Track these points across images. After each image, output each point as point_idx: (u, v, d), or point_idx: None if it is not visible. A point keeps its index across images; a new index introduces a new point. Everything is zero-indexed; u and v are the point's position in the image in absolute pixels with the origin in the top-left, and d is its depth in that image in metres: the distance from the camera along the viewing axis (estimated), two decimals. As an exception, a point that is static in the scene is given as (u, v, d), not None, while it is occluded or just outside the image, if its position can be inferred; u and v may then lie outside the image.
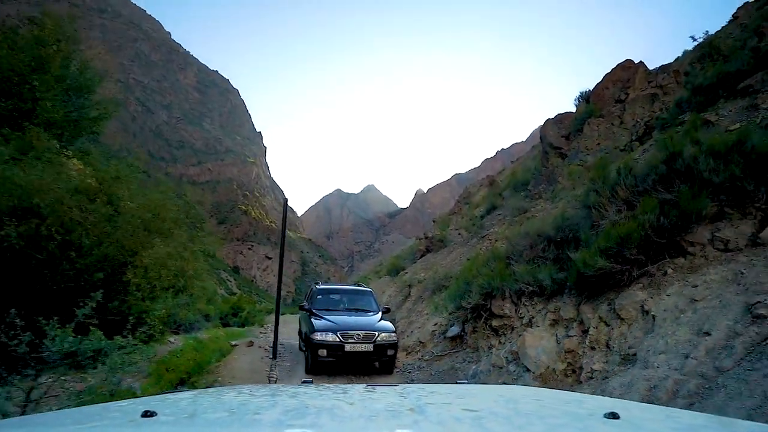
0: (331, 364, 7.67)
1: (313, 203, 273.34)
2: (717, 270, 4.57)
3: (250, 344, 10.93)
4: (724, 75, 10.80)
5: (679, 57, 15.41)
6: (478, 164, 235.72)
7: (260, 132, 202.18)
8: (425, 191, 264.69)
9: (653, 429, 1.04)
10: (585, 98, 16.31)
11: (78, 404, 5.04)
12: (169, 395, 1.49)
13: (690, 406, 3.29)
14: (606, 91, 15.45)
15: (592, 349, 5.07)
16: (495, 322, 6.88)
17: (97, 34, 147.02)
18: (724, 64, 11.62)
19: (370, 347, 7.59)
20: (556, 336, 5.65)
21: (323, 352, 7.47)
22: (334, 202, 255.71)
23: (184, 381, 7.81)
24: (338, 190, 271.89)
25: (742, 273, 4.28)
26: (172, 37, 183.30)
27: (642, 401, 3.71)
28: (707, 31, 18.09)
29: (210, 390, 1.67)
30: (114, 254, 7.04)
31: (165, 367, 7.80)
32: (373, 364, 8.00)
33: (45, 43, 9.82)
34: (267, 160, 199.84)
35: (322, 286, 9.99)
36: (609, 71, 15.67)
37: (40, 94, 9.02)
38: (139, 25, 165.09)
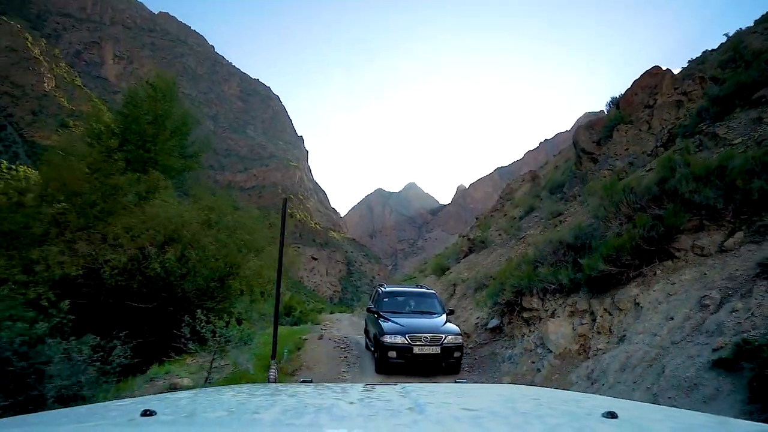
0: (400, 365, 7.97)
1: (356, 203, 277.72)
2: (690, 271, 6.03)
3: (320, 338, 13.03)
4: (741, 85, 11.70)
5: (706, 57, 16.12)
6: (521, 156, 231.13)
7: (301, 136, 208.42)
8: (467, 186, 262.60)
9: (651, 428, 1.06)
10: (615, 104, 17.31)
11: (226, 378, 7.13)
12: (168, 394, 1.50)
13: (649, 367, 4.86)
14: (635, 97, 16.41)
15: (598, 333, 6.64)
16: (525, 315, 8.50)
17: (148, 52, 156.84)
18: (743, 73, 12.49)
19: (437, 350, 7.79)
20: (572, 324, 7.22)
21: (393, 354, 7.80)
22: (376, 201, 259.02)
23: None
24: (379, 189, 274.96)
25: (705, 274, 5.73)
26: (215, 50, 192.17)
27: (620, 367, 5.29)
28: (739, 29, 18.52)
29: (209, 389, 1.70)
30: (222, 268, 9.26)
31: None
32: (439, 365, 8.11)
33: (158, 100, 12.08)
34: (309, 163, 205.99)
35: (387, 289, 10.32)
36: (638, 77, 16.62)
37: (159, 145, 11.39)
38: (185, 41, 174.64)
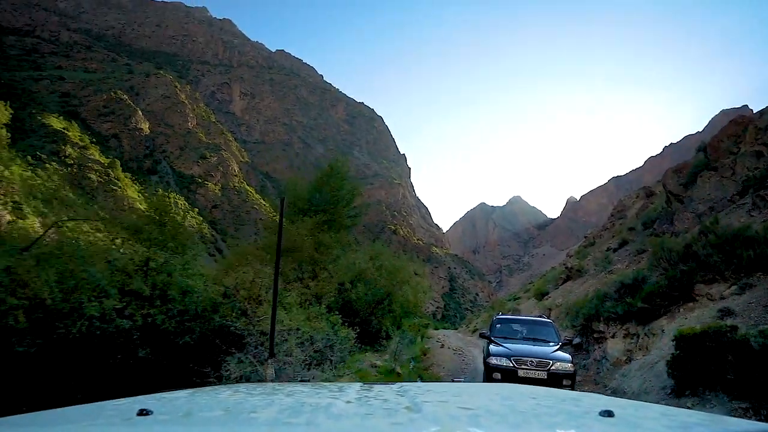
0: None
1: (458, 218, 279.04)
2: (699, 311, 9.32)
3: (442, 346, 17.46)
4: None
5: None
6: (641, 164, 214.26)
7: (404, 154, 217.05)
8: (578, 198, 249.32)
9: (647, 427, 1.09)
10: (702, 149, 19.42)
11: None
12: (165, 394, 1.56)
13: (650, 368, 8.41)
14: (721, 144, 18.47)
15: (639, 349, 10.11)
16: (596, 335, 12.01)
17: (268, 87, 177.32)
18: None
19: (543, 374, 7.89)
20: (624, 343, 10.70)
21: (497, 375, 8.02)
22: (479, 216, 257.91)
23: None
24: (482, 204, 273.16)
25: (704, 313, 9.03)
26: (324, 79, 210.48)
27: (638, 367, 8.84)
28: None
29: (206, 389, 1.77)
30: (381, 293, 14.22)
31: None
32: None
33: (335, 177, 17.58)
34: (411, 180, 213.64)
35: (501, 317, 11.11)
36: (725, 125, 18.66)
37: (337, 210, 16.83)
38: (298, 74, 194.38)
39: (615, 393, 8.76)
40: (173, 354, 6.13)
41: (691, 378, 6.43)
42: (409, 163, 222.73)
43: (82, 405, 1.48)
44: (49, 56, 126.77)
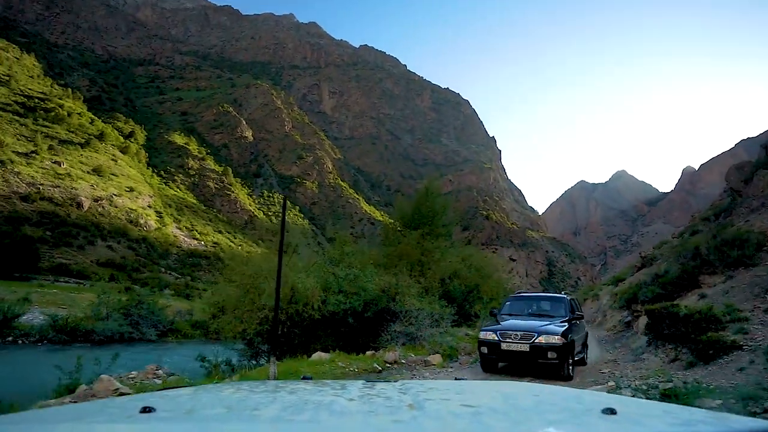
0: (494, 361, 8.62)
1: (555, 199, 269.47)
2: (694, 296, 13.46)
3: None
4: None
5: None
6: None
7: (493, 137, 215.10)
8: (696, 168, 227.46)
9: (650, 424, 1.12)
10: (765, 147, 21.84)
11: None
12: (168, 391, 1.60)
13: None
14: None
15: (659, 322, 14.43)
16: (635, 314, 16.30)
17: (354, 83, 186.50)
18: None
19: (525, 347, 7.96)
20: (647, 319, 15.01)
21: (485, 350, 8.40)
22: (579, 195, 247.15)
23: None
24: (582, 182, 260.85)
25: (704, 296, 13.18)
26: (408, 69, 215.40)
27: (644, 334, 13.31)
28: None
29: (209, 386, 1.81)
30: (471, 285, 19.62)
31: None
32: (532, 365, 8.27)
33: (432, 198, 22.98)
34: (502, 163, 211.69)
35: (514, 295, 11.13)
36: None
37: (435, 223, 22.18)
38: (382, 67, 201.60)
39: (634, 351, 13.37)
40: (363, 322, 12.07)
41: (655, 335, 11.09)
42: (499, 145, 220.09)
43: (85, 402, 1.56)
44: (168, 80, 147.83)
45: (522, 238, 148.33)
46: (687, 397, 6.10)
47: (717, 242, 13.91)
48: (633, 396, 6.72)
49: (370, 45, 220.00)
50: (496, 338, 8.32)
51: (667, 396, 6.37)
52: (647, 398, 6.83)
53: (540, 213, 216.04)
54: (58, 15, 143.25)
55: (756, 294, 10.52)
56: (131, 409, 1.15)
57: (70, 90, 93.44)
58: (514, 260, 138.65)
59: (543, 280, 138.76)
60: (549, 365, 8.13)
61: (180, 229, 76.73)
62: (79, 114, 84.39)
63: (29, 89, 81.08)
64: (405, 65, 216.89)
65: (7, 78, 79.61)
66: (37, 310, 19.66)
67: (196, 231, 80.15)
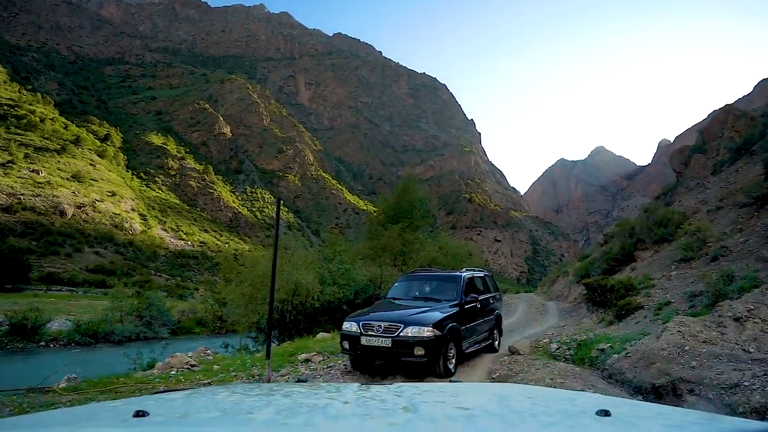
0: (357, 358, 7.33)
1: (536, 178, 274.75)
2: (628, 270, 16.32)
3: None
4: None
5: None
6: (750, 90, 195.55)
7: (472, 120, 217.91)
8: (672, 140, 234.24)
9: (643, 426, 1.13)
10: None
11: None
12: (162, 395, 1.61)
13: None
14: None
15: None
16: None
17: (330, 73, 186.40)
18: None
19: (388, 342, 6.60)
20: (600, 290, 17.89)
21: (346, 344, 6.98)
22: (559, 173, 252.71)
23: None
24: (562, 160, 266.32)
25: (635, 269, 16.03)
26: (383, 56, 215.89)
27: None
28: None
29: (203, 389, 1.81)
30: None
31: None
32: (396, 363, 7.09)
33: (409, 194, 25.40)
34: (482, 145, 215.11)
35: (407, 274, 9.73)
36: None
37: (414, 215, 24.66)
38: (357, 54, 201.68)
39: (580, 317, 16.17)
40: (356, 307, 14.51)
41: (592, 303, 13.90)
42: (479, 128, 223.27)
43: (77, 407, 1.56)
44: (139, 79, 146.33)
45: (505, 219, 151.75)
46: (591, 344, 8.87)
47: (649, 222, 16.77)
48: (558, 348, 9.47)
49: (343, 33, 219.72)
50: (359, 331, 6.85)
51: (580, 346, 9.10)
52: (567, 347, 9.61)
53: (522, 193, 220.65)
54: (17, 15, 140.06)
55: (666, 265, 13.35)
56: (124, 413, 1.16)
57: (39, 95, 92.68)
58: (498, 241, 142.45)
59: (528, 259, 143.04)
60: (416, 364, 6.71)
61: (166, 230, 78.05)
62: (51, 119, 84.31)
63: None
64: (380, 51, 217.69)
65: (-25, 87, 79.16)
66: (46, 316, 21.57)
67: (182, 231, 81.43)
